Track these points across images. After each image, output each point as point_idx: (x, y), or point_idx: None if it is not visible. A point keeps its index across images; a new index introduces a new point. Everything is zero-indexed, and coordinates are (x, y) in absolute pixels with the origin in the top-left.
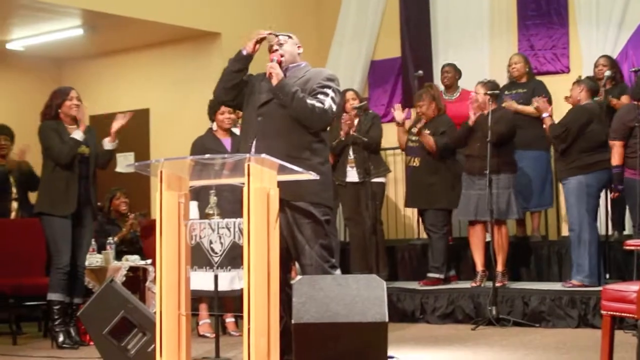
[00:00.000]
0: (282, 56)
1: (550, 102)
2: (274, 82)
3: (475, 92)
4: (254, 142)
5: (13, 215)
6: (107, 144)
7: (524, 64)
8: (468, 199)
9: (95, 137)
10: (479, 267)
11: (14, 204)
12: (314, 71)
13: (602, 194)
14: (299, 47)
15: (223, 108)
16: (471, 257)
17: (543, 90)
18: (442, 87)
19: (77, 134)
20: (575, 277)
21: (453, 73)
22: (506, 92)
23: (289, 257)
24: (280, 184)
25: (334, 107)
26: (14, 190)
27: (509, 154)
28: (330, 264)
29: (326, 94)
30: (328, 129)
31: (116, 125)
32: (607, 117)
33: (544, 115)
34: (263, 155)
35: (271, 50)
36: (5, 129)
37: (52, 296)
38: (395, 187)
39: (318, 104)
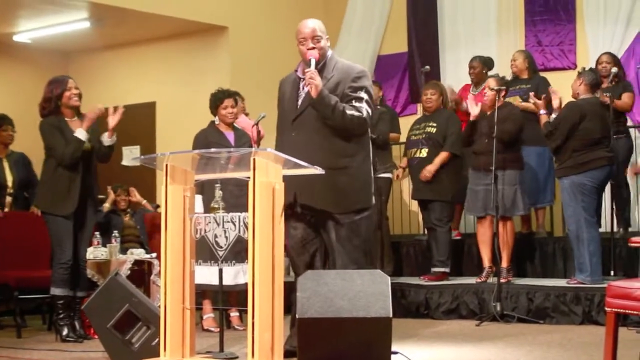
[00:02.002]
0: (319, 54)
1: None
2: (314, 94)
3: (487, 85)
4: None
5: (7, 209)
6: (107, 140)
7: (523, 60)
8: (475, 194)
9: (98, 130)
10: (486, 262)
11: (8, 199)
12: (342, 68)
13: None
14: (327, 38)
15: (225, 102)
16: (475, 253)
17: (547, 86)
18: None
19: (81, 133)
20: (578, 276)
21: (480, 68)
22: (510, 89)
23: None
24: (322, 196)
25: (370, 112)
26: (9, 185)
27: (515, 150)
28: (357, 265)
29: (360, 99)
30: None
31: (113, 121)
32: (607, 114)
33: (541, 112)
34: (268, 149)
35: (307, 47)
36: (9, 119)
37: (56, 291)
38: (401, 182)
39: (357, 114)
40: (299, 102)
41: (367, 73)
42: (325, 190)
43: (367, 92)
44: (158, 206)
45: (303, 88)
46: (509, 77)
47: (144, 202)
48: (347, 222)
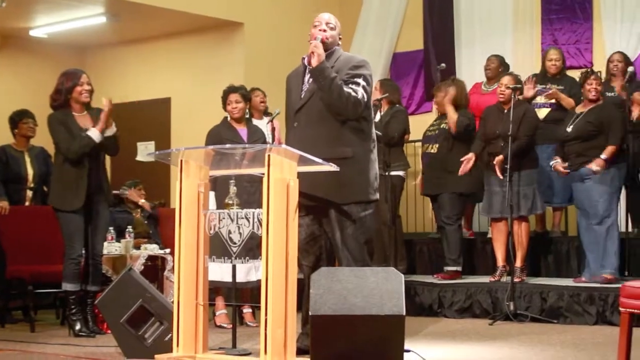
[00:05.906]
0: (327, 38)
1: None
2: (314, 63)
3: (502, 83)
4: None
5: (27, 203)
6: (107, 130)
7: (562, 60)
8: (492, 195)
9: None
10: (500, 262)
11: (29, 193)
12: (344, 58)
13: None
14: (340, 37)
15: (230, 98)
16: (489, 252)
17: (577, 87)
18: (484, 78)
19: (94, 133)
20: (604, 271)
21: (497, 64)
22: (545, 86)
23: (332, 252)
24: (324, 185)
25: (366, 97)
26: (29, 178)
27: (530, 150)
28: (363, 263)
29: (357, 84)
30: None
31: (105, 111)
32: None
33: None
34: (283, 145)
35: (319, 29)
36: (30, 113)
37: (67, 286)
38: (415, 180)
39: (353, 94)
40: (303, 94)
41: (368, 64)
42: (327, 179)
43: (365, 79)
44: (162, 204)
45: (308, 80)
46: (526, 75)
47: (142, 202)
48: (352, 217)
